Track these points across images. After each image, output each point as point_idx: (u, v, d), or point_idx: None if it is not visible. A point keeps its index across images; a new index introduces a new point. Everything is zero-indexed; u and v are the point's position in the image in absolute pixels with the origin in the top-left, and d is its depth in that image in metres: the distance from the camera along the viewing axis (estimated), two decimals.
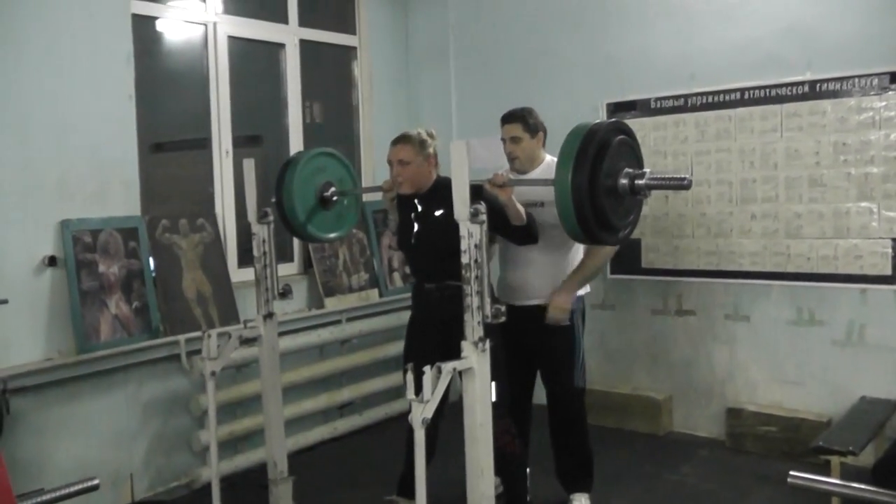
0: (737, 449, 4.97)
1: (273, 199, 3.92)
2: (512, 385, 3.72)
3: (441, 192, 3.61)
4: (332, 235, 4.20)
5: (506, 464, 3.63)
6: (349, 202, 4.19)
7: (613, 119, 2.96)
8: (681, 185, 2.82)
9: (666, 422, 5.34)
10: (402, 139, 3.73)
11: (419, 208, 3.75)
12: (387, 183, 3.85)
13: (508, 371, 3.60)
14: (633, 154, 2.91)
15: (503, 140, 3.98)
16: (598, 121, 2.83)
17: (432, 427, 3.67)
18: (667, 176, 2.83)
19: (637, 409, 5.39)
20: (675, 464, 4.82)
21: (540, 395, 4.15)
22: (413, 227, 3.76)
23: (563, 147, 2.75)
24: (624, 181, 2.80)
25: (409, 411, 2.72)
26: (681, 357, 5.34)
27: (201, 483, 4.52)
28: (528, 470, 3.88)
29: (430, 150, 3.72)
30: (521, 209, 3.45)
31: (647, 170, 2.83)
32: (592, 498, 4.14)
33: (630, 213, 2.97)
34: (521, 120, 3.95)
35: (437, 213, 3.64)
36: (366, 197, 6.00)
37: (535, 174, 3.95)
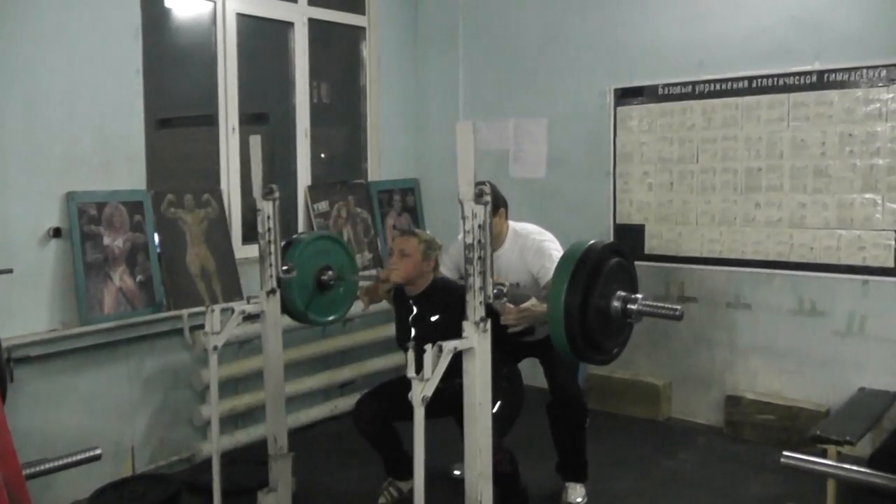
0: (735, 436, 4.99)
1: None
2: None
3: (437, 295, 3.68)
4: (329, 318, 4.29)
5: (498, 483, 3.60)
6: (345, 287, 4.24)
7: (609, 241, 2.99)
8: (673, 315, 2.83)
9: (665, 408, 5.37)
10: (409, 232, 3.80)
11: (415, 310, 3.76)
12: (384, 273, 3.91)
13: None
14: (627, 276, 2.93)
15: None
16: (593, 241, 2.85)
17: (382, 422, 3.75)
18: (659, 304, 2.85)
19: (636, 395, 5.41)
20: (673, 450, 4.84)
21: (540, 383, 4.17)
22: (410, 331, 3.76)
23: (558, 265, 2.80)
24: (616, 304, 2.82)
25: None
26: (681, 344, 5.36)
27: (202, 457, 4.56)
28: (524, 488, 3.85)
29: (433, 254, 3.75)
30: (540, 308, 3.37)
31: (639, 295, 2.84)
32: (590, 483, 4.17)
33: (620, 335, 2.98)
34: None
35: (433, 318, 3.67)
36: (371, 177, 6.04)
37: (504, 251, 3.95)
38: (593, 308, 2.75)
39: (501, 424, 3.45)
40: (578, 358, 2.92)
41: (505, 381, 3.58)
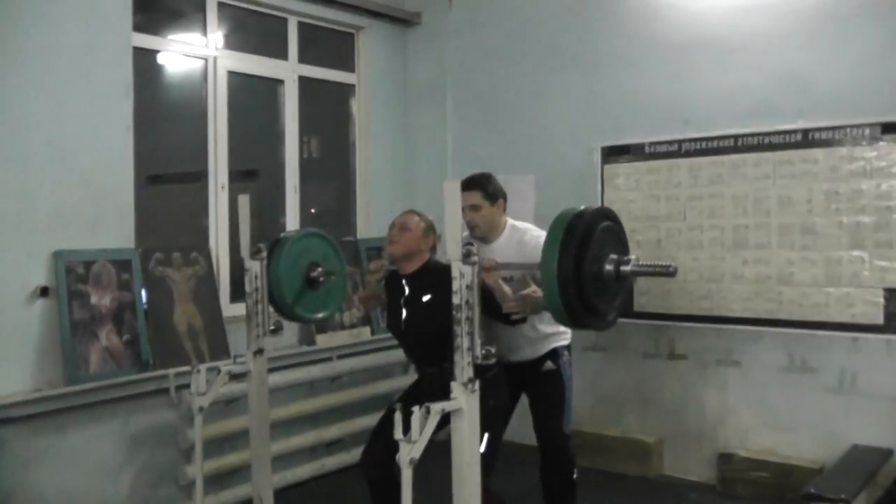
0: (728, 494, 4.94)
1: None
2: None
3: (431, 276, 3.64)
4: (319, 316, 4.23)
5: None
6: (336, 282, 4.21)
7: (599, 206, 3.00)
8: (666, 272, 2.84)
9: (656, 465, 5.32)
10: (411, 211, 3.78)
11: (406, 291, 3.71)
12: (374, 265, 3.89)
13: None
14: (618, 240, 2.94)
15: (462, 209, 3.83)
16: (582, 207, 2.86)
17: (388, 466, 3.67)
18: (652, 263, 2.86)
19: (627, 452, 5.36)
20: None
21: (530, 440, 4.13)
22: (402, 312, 3.72)
23: (548, 232, 2.79)
24: (609, 267, 2.81)
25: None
26: (672, 401, 5.33)
27: None
28: None
29: (432, 235, 3.72)
30: (510, 291, 3.39)
31: (632, 256, 2.85)
32: None
33: (615, 298, 2.98)
34: (480, 187, 3.90)
35: (425, 298, 3.62)
36: (360, 234, 6.04)
37: (501, 242, 3.94)
38: (587, 272, 2.71)
39: (488, 462, 3.39)
40: (576, 325, 2.89)
41: (491, 398, 3.37)
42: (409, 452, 2.63)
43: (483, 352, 2.77)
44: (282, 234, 4.13)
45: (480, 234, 3.93)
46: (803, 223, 4.77)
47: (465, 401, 2.77)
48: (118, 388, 4.31)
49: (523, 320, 3.58)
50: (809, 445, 4.81)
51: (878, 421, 4.59)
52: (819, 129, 4.70)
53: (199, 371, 3.65)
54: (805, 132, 4.75)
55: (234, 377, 3.87)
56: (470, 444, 2.81)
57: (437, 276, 3.51)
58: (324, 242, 4.18)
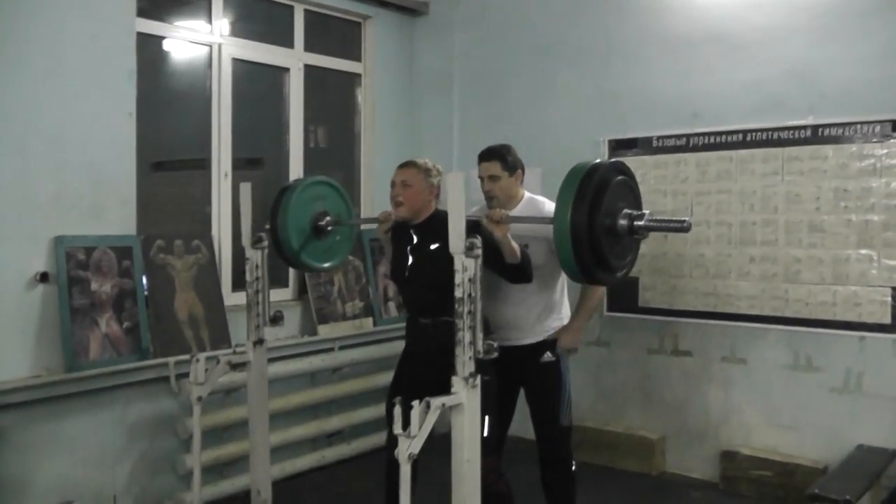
0: (730, 492, 4.90)
1: (267, 226, 3.90)
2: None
3: (438, 224, 3.53)
4: (325, 265, 4.18)
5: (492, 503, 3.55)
6: (343, 233, 4.17)
7: (613, 159, 2.98)
8: (680, 227, 2.82)
9: (659, 462, 5.28)
10: (408, 163, 3.69)
11: (414, 239, 3.67)
12: (383, 214, 3.79)
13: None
14: (632, 195, 2.91)
15: (480, 178, 3.89)
16: (598, 160, 2.82)
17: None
18: (666, 218, 2.83)
19: (630, 449, 5.32)
20: None
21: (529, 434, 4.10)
22: (407, 259, 3.68)
23: (562, 185, 2.74)
24: (623, 222, 2.80)
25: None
26: (675, 397, 5.29)
27: None
28: None
29: (434, 180, 3.66)
30: (517, 247, 3.38)
31: (646, 211, 2.81)
32: None
33: (628, 254, 2.96)
34: (500, 158, 3.87)
35: (433, 246, 3.56)
36: (363, 226, 6.00)
37: (517, 211, 3.89)
38: (600, 225, 2.71)
39: (495, 443, 3.35)
40: (588, 279, 2.88)
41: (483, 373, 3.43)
42: (407, 448, 2.60)
43: (485, 346, 2.73)
44: (292, 180, 4.09)
45: (497, 204, 3.90)
46: (811, 220, 4.72)
47: (465, 395, 2.74)
48: (118, 376, 4.29)
49: (528, 279, 3.55)
50: (813, 445, 4.77)
51: (883, 421, 4.55)
52: (829, 126, 4.65)
53: (198, 360, 3.62)
54: (815, 128, 4.70)
55: (234, 367, 3.85)
56: (470, 441, 2.78)
57: (445, 225, 3.47)
58: (334, 192, 4.13)
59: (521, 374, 3.95)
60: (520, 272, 3.48)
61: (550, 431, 3.95)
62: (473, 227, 2.89)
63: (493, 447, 3.36)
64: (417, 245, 3.65)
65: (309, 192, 3.98)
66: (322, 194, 4.05)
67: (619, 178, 2.83)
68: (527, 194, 3.99)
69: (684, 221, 2.81)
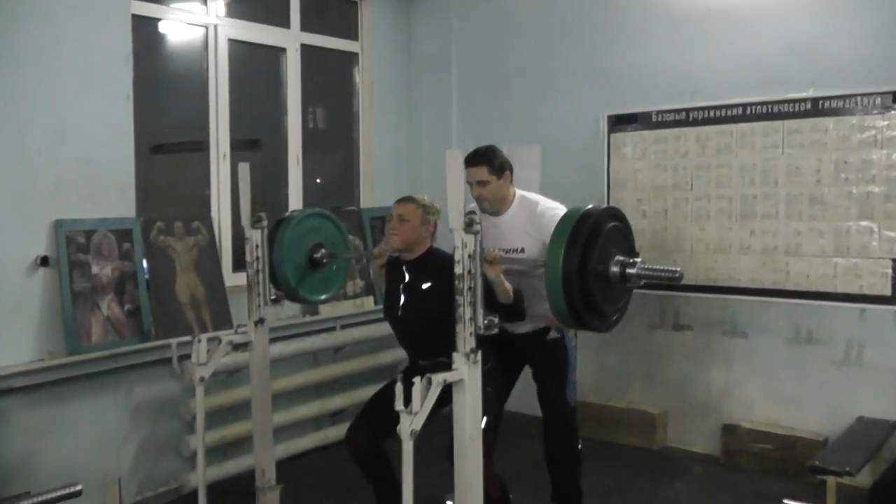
0: (732, 466, 4.92)
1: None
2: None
3: (431, 263, 3.60)
4: (322, 297, 4.24)
5: None
6: (339, 263, 4.20)
7: (607, 205, 2.99)
8: (672, 277, 2.81)
9: (661, 437, 5.30)
10: (407, 198, 3.72)
11: (406, 277, 3.67)
12: (378, 250, 3.85)
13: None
14: (625, 241, 2.90)
15: (468, 183, 3.80)
16: (591, 206, 2.82)
17: (373, 444, 3.64)
18: (659, 267, 2.82)
19: (632, 424, 5.35)
20: (669, 479, 4.78)
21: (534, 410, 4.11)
22: (399, 298, 3.69)
23: (555, 230, 2.77)
24: (615, 269, 2.80)
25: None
26: (677, 372, 5.31)
27: (190, 489, 4.48)
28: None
29: (432, 217, 3.67)
30: (510, 288, 3.34)
31: (638, 259, 2.81)
32: None
33: (619, 300, 2.95)
34: (487, 162, 3.82)
35: (425, 285, 3.58)
36: (364, 203, 6.01)
37: (510, 214, 3.89)
38: (592, 272, 2.71)
39: (488, 441, 3.36)
40: (579, 325, 2.87)
41: (489, 386, 3.41)
42: (409, 424, 2.61)
43: (485, 322, 2.73)
44: (286, 213, 4.11)
45: (489, 207, 3.88)
46: (812, 193, 4.71)
47: (466, 372, 2.74)
48: (120, 359, 4.30)
49: (520, 317, 3.52)
50: (814, 418, 4.79)
51: (884, 393, 4.56)
52: (829, 98, 4.63)
53: (199, 341, 3.63)
54: (815, 101, 4.68)
55: (236, 347, 3.86)
56: (472, 417, 2.79)
57: (438, 264, 3.50)
58: (328, 223, 4.17)
59: (528, 355, 3.96)
60: (512, 312, 3.44)
61: (557, 410, 3.96)
62: None
63: (487, 450, 3.33)
64: (409, 284, 3.66)
65: (303, 226, 4.02)
66: (316, 226, 4.09)
67: (613, 224, 2.83)
68: (518, 193, 3.96)
69: (676, 272, 2.81)
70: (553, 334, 3.90)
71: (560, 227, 2.75)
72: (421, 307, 3.58)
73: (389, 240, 3.69)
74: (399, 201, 3.71)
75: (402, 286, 3.69)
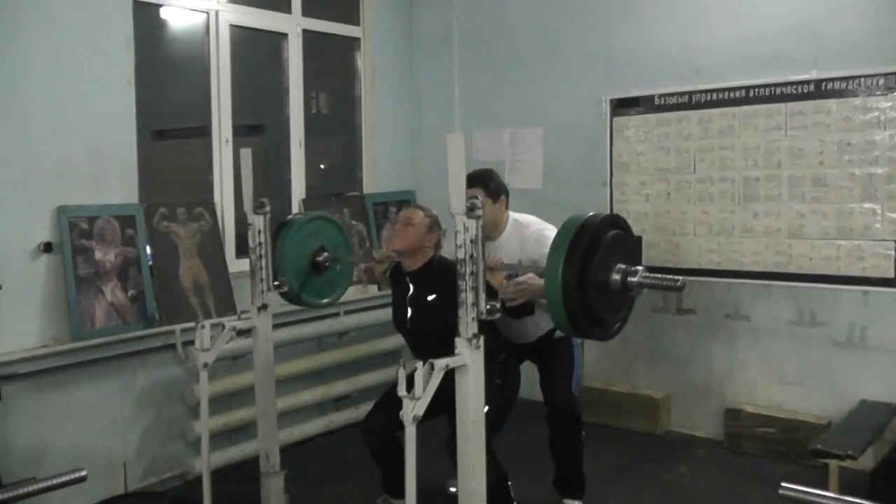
0: (735, 449, 4.93)
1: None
2: None
3: (435, 274, 3.61)
4: (325, 300, 4.23)
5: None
6: (343, 265, 4.19)
7: (608, 214, 2.95)
8: (674, 286, 2.79)
9: (664, 420, 5.31)
10: (417, 207, 3.74)
11: (411, 289, 3.69)
12: (380, 255, 3.86)
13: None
14: (626, 249, 2.88)
15: None
16: (591, 214, 2.80)
17: (390, 435, 3.65)
18: (659, 276, 2.80)
19: (635, 408, 5.35)
20: (672, 463, 4.79)
21: (536, 396, 4.12)
22: (407, 311, 3.71)
23: (555, 238, 2.75)
24: (616, 277, 2.77)
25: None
26: (680, 356, 5.31)
27: (195, 474, 4.49)
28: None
29: (437, 232, 3.69)
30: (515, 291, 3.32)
31: (640, 267, 2.79)
32: (587, 498, 4.11)
33: (620, 309, 2.92)
34: (482, 185, 3.80)
35: (430, 297, 3.60)
36: (367, 189, 6.00)
37: (504, 239, 3.88)
38: (592, 281, 2.68)
39: (486, 430, 3.37)
40: (579, 334, 2.87)
41: (498, 377, 3.48)
42: (412, 409, 2.61)
43: (488, 307, 2.73)
44: (289, 217, 4.12)
45: (483, 231, 3.86)
46: (815, 175, 4.70)
47: (469, 357, 2.74)
48: (124, 344, 4.32)
49: (531, 311, 3.50)
50: (817, 400, 4.79)
51: (886, 376, 4.56)
52: (832, 80, 4.60)
53: (203, 327, 3.63)
54: (818, 82, 4.66)
55: (240, 333, 3.87)
56: (475, 401, 2.79)
57: (441, 275, 3.51)
58: (331, 225, 4.17)
59: (534, 353, 4.01)
60: (520, 309, 3.42)
61: (562, 403, 3.97)
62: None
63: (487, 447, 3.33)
64: (414, 296, 3.68)
65: (305, 230, 4.01)
66: (318, 230, 4.08)
67: (613, 232, 2.80)
68: (511, 217, 3.96)
69: (678, 281, 2.79)
70: (559, 333, 3.91)
71: (560, 236, 2.73)
72: (429, 319, 3.60)
73: (392, 241, 3.71)
74: (407, 209, 3.76)
75: (407, 298, 3.72)
